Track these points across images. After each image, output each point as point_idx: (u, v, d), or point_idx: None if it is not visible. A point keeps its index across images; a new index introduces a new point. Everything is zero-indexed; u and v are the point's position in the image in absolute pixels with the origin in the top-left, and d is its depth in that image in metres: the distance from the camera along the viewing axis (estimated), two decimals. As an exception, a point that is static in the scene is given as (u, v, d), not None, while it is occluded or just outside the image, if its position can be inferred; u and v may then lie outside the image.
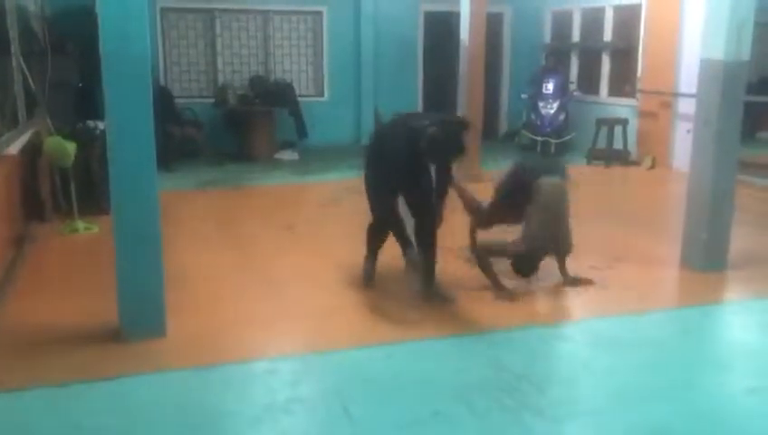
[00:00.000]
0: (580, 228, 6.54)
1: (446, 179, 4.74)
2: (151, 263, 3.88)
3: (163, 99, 9.18)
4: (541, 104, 10.43)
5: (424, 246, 4.63)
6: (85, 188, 6.44)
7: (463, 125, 4.66)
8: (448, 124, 4.48)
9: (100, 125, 6.45)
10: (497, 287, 4.74)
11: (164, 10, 10.40)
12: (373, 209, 4.74)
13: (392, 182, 4.50)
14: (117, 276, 3.85)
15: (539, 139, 10.36)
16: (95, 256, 5.42)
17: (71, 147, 6.14)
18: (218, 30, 10.81)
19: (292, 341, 4.10)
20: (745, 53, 4.89)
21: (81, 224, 6.18)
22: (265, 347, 3.98)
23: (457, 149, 4.38)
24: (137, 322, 3.91)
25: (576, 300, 4.78)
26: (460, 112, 8.63)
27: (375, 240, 4.93)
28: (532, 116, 10.56)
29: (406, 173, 4.47)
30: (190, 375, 3.55)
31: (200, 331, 4.09)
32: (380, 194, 4.58)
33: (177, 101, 10.19)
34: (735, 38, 4.83)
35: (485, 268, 4.82)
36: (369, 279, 4.94)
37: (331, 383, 3.53)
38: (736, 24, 4.81)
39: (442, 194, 4.77)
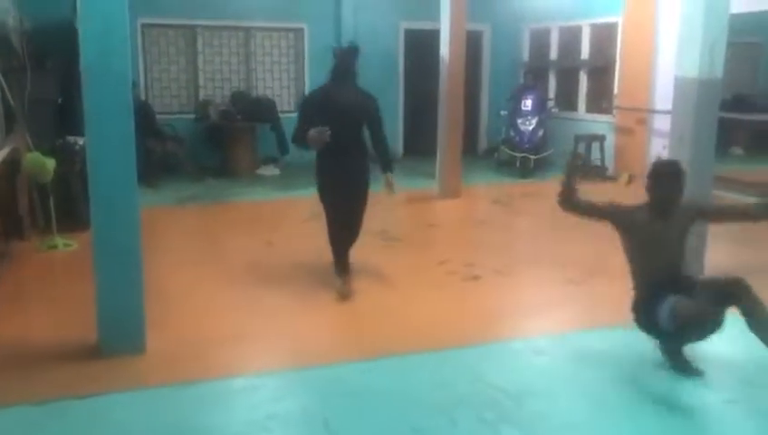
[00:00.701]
0: (557, 243, 6.65)
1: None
2: (131, 279, 3.87)
3: (144, 114, 9.14)
4: (519, 121, 10.54)
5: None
6: (64, 204, 6.40)
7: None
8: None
9: (80, 141, 6.43)
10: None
11: (145, 26, 10.40)
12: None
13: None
14: (96, 292, 3.84)
15: (518, 155, 10.45)
16: (74, 272, 5.39)
17: (50, 163, 6.11)
18: (200, 46, 10.83)
19: (272, 356, 4.10)
20: (718, 71, 5.01)
21: (59, 240, 6.14)
22: (246, 363, 3.98)
23: None
24: (116, 338, 3.89)
25: (553, 313, 4.83)
26: (440, 126, 8.70)
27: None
28: (512, 132, 10.67)
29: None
30: (170, 392, 3.54)
31: (180, 347, 4.07)
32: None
33: (159, 116, 10.17)
34: (708, 56, 4.94)
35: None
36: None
37: (312, 399, 3.54)
38: (709, 42, 4.92)
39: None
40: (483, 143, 12.60)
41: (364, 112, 5.09)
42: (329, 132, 4.77)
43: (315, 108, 5.04)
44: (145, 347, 3.93)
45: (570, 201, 4.07)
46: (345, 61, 5.06)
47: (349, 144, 5.04)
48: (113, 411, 3.35)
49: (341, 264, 5.19)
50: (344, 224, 5.19)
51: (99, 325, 3.89)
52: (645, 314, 3.80)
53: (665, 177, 3.79)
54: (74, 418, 3.29)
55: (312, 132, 4.81)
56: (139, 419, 3.30)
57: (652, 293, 3.74)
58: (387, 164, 5.24)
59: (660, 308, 3.59)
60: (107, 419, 3.29)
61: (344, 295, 5.01)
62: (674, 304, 3.49)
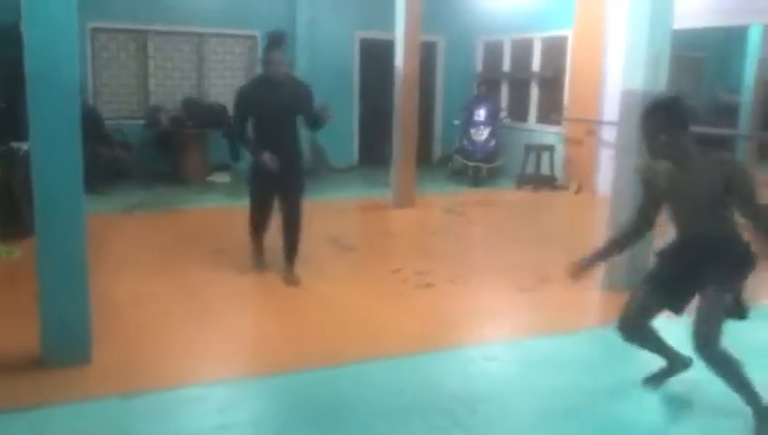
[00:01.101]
0: (509, 251, 6.73)
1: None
2: (76, 287, 3.78)
3: (91, 120, 8.96)
4: (473, 131, 10.67)
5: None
6: (8, 210, 6.22)
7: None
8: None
9: (24, 146, 6.26)
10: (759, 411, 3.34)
11: (94, 30, 10.20)
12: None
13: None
14: (39, 301, 3.74)
15: (471, 164, 10.57)
16: (16, 280, 5.24)
17: (-8, 168, 5.94)
18: (151, 51, 10.66)
19: (222, 366, 4.05)
20: (662, 85, 5.15)
21: (2, 247, 5.96)
22: (194, 373, 3.91)
23: None
24: (60, 348, 3.79)
25: (505, 320, 4.88)
26: (395, 135, 8.73)
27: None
28: (465, 142, 10.79)
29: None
30: (115, 403, 3.46)
31: (126, 357, 3.99)
32: None
33: (108, 122, 9.97)
34: (653, 70, 5.08)
35: None
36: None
37: (264, 409, 3.50)
38: (654, 57, 5.06)
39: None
40: (437, 153, 12.70)
41: (299, 100, 5.29)
42: (277, 165, 5.09)
43: (251, 100, 5.20)
44: (90, 357, 3.83)
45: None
46: (275, 47, 5.15)
47: (284, 133, 5.26)
48: (57, 424, 3.26)
49: (262, 253, 5.75)
50: (267, 214, 5.55)
51: (42, 335, 3.78)
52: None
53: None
54: (16, 431, 3.19)
55: (267, 157, 5.09)
56: (83, 431, 3.22)
57: (676, 248, 3.56)
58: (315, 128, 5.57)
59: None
60: (50, 432, 3.20)
61: (291, 282, 5.41)
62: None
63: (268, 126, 5.20)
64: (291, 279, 5.46)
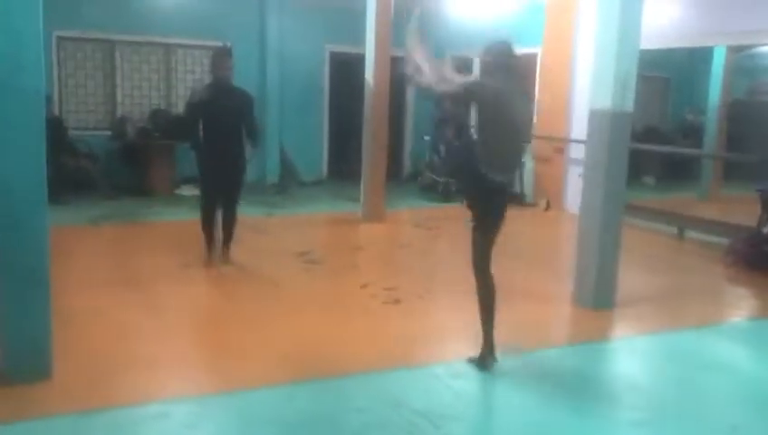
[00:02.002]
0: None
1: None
2: (37, 301, 3.68)
3: (56, 129, 8.81)
4: (442, 147, 10.72)
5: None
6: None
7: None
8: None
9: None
10: (487, 340, 4.19)
11: (61, 39, 10.05)
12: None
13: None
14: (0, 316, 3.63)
15: (440, 180, 10.61)
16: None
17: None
18: (118, 61, 10.53)
19: (187, 382, 3.97)
20: (629, 104, 5.22)
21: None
22: (159, 389, 3.83)
23: None
24: (20, 363, 3.69)
25: (472, 337, 4.88)
26: (365, 149, 8.72)
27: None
28: (435, 158, 10.83)
29: None
30: (76, 420, 3.37)
31: (89, 373, 3.90)
32: None
33: (73, 132, 9.81)
34: (620, 90, 5.15)
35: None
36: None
37: (229, 426, 3.44)
38: (621, 77, 5.14)
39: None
40: (407, 168, 12.73)
41: (242, 107, 5.97)
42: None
43: (201, 104, 5.84)
44: (51, 373, 3.73)
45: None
46: (225, 55, 5.93)
47: (228, 134, 5.92)
48: (13, 442, 3.16)
49: (213, 243, 6.25)
50: (215, 207, 6.13)
51: (2, 350, 3.67)
52: None
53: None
54: (-31, 450, 3.09)
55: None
56: (41, 450, 3.12)
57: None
58: (254, 140, 6.19)
59: None
60: (6, 450, 3.11)
61: (214, 264, 6.15)
62: None
63: (216, 127, 5.87)
64: (225, 260, 6.25)
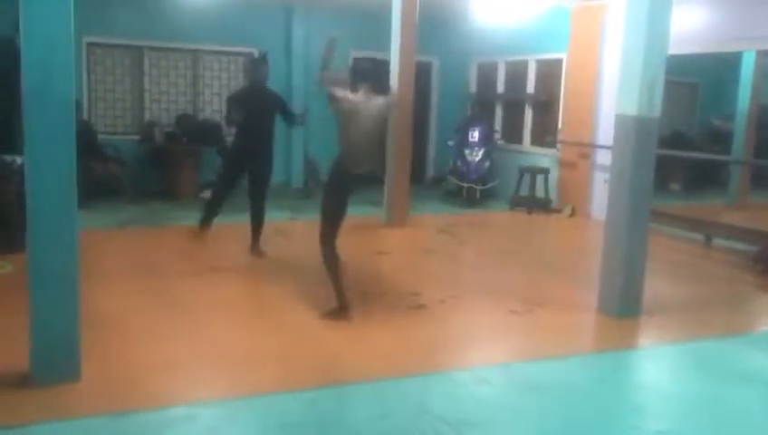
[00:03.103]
0: (502, 273, 6.73)
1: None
2: (67, 303, 3.74)
3: (85, 134, 8.95)
4: (466, 151, 10.70)
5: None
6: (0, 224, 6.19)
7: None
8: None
9: (18, 159, 6.24)
10: (339, 298, 4.99)
11: (90, 45, 10.22)
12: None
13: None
14: (30, 317, 3.69)
15: (464, 185, 10.59)
16: (6, 296, 5.18)
17: (-16, 181, 5.90)
18: (146, 67, 10.69)
19: (213, 385, 4.00)
20: (656, 110, 5.18)
21: (-8, 262, 5.92)
22: (185, 392, 3.87)
23: None
24: (49, 365, 3.74)
25: (496, 343, 4.87)
26: (389, 154, 8.74)
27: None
28: (459, 163, 10.81)
29: None
30: (104, 422, 3.41)
31: (116, 375, 3.95)
32: None
33: (102, 137, 9.97)
34: (647, 95, 5.11)
35: (330, 266, 5.04)
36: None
37: (254, 430, 3.47)
38: (648, 82, 5.09)
39: None
40: (430, 173, 12.73)
41: (274, 106, 6.78)
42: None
43: (240, 102, 6.69)
44: (80, 375, 3.79)
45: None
46: (258, 69, 6.73)
47: (260, 132, 6.66)
48: (43, 443, 3.21)
49: (208, 225, 6.99)
50: (227, 194, 6.93)
51: (32, 352, 3.73)
52: None
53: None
54: (0, 449, 3.15)
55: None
56: (70, 450, 3.17)
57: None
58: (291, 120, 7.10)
59: None
60: (36, 450, 3.16)
61: (257, 254, 6.84)
62: None
63: (249, 125, 6.63)
64: (258, 253, 6.85)
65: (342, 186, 5.08)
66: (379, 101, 5.11)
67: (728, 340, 5.05)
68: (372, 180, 5.23)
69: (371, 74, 5.19)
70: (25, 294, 3.69)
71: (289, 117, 6.99)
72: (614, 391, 4.17)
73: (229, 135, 7.25)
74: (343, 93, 4.96)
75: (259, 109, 6.64)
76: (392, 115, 5.21)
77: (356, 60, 5.28)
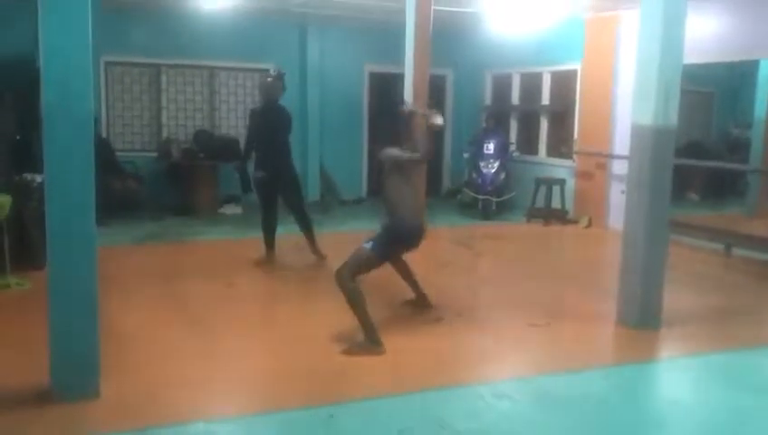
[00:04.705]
0: (520, 286, 6.69)
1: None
2: (86, 321, 3.77)
3: (103, 151, 9.04)
4: (482, 164, 10.67)
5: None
6: (19, 242, 6.24)
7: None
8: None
9: (38, 178, 6.31)
10: (370, 333, 4.65)
11: (108, 63, 10.34)
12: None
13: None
14: (49, 334, 3.73)
15: (480, 197, 10.56)
16: (26, 313, 5.23)
17: (6, 200, 5.97)
18: (164, 84, 10.80)
19: (231, 402, 4.01)
20: (673, 119, 5.15)
21: (12, 279, 5.97)
22: (203, 408, 3.88)
23: None
24: (69, 382, 3.77)
25: (516, 357, 4.83)
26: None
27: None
28: (474, 175, 10.79)
29: None
30: (123, 438, 3.43)
31: (136, 392, 3.96)
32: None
33: (120, 154, 10.07)
34: (663, 105, 5.08)
35: (354, 302, 4.69)
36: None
37: (271, 445, 3.46)
38: (663, 92, 5.07)
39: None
40: (446, 185, 12.72)
41: (288, 120, 7.06)
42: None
43: (254, 121, 7.19)
44: (99, 392, 3.81)
45: None
46: (272, 87, 7.02)
47: (275, 147, 6.90)
48: (63, 460, 3.23)
49: (270, 249, 7.17)
50: (272, 214, 7.13)
51: (51, 369, 3.76)
52: None
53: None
54: (21, 466, 3.16)
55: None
56: (90, 467, 3.18)
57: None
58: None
59: None
60: (56, 467, 3.17)
61: (319, 257, 7.15)
62: None
63: (263, 140, 6.99)
64: (318, 255, 7.21)
65: (402, 241, 4.97)
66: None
67: (751, 351, 4.98)
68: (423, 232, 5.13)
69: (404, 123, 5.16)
70: (45, 312, 3.72)
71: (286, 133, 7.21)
72: (636, 404, 4.12)
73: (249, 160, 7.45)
74: (398, 152, 4.91)
75: (272, 126, 6.89)
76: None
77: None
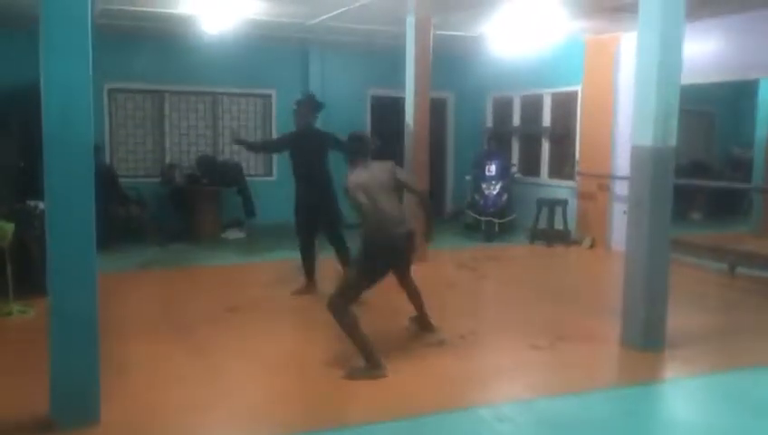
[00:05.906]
0: (522, 307, 6.66)
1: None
2: (87, 348, 3.76)
3: (107, 177, 9.09)
4: (484, 185, 10.69)
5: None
6: (22, 269, 6.25)
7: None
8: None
9: (41, 205, 6.33)
10: (369, 358, 4.63)
11: (112, 91, 10.44)
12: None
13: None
14: (50, 361, 3.72)
15: (483, 219, 10.56)
16: (28, 340, 5.23)
17: (8, 227, 5.99)
18: (167, 110, 10.88)
19: (232, 427, 3.99)
20: (672, 140, 5.16)
21: (15, 307, 5.97)
22: (206, 434, 3.86)
23: None
24: (69, 409, 3.75)
25: (518, 379, 4.80)
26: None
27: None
28: (476, 197, 10.81)
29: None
30: (124, 466, 3.40)
31: (135, 418, 3.94)
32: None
33: (124, 180, 10.12)
34: (662, 126, 5.10)
35: (349, 329, 4.68)
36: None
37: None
38: (662, 112, 5.09)
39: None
40: (448, 207, 12.73)
41: (324, 142, 6.91)
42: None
43: (289, 141, 7.14)
44: (99, 419, 3.79)
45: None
46: (299, 112, 6.96)
47: (310, 173, 6.79)
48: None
49: (310, 276, 7.02)
50: (310, 240, 6.97)
51: (52, 396, 3.75)
52: None
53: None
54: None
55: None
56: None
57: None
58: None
59: None
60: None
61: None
62: None
63: (300, 164, 6.91)
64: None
65: (379, 254, 4.88)
66: (380, 165, 5.14)
67: (757, 371, 4.94)
68: (412, 242, 5.13)
69: (359, 146, 5.18)
70: (47, 338, 3.72)
71: (341, 146, 6.71)
72: (641, 426, 4.09)
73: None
74: (353, 177, 4.95)
75: (304, 152, 6.81)
76: (402, 174, 5.30)
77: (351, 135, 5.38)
